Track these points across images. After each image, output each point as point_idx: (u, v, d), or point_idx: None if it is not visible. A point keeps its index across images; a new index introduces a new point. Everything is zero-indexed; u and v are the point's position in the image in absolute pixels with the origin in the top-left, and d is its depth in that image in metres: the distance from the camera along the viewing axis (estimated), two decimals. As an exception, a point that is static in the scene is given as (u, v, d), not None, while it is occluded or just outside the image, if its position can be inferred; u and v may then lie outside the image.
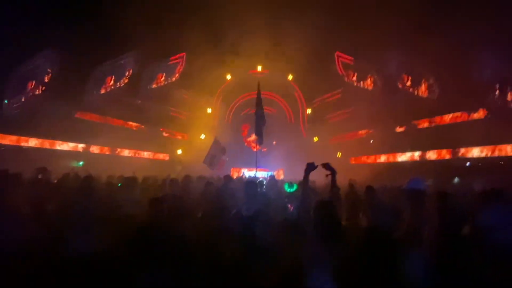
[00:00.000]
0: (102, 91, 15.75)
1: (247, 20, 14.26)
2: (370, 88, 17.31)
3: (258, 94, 7.47)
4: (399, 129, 15.92)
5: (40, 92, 12.98)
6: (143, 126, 17.50)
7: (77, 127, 13.92)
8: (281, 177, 14.40)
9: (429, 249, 2.61)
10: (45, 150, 13.15)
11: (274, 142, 17.79)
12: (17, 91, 12.84)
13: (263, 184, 5.10)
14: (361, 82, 17.79)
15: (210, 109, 19.14)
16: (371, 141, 17.22)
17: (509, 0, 10.11)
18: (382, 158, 16.44)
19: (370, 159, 17.18)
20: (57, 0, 11.53)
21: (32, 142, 12.82)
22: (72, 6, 12.13)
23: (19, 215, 3.41)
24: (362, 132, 17.71)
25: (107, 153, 15.67)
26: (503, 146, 11.47)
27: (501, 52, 10.31)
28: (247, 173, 13.79)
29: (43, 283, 2.85)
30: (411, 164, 14.68)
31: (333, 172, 3.15)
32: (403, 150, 15.32)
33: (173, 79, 17.66)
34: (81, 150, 14.62)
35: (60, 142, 13.86)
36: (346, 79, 18.01)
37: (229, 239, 3.93)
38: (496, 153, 11.70)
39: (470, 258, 2.72)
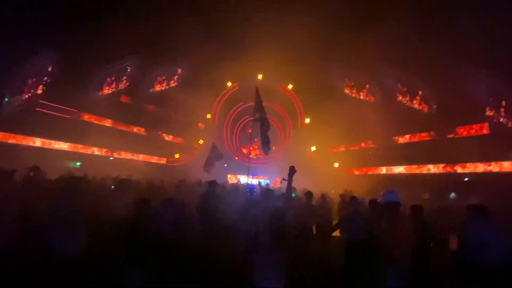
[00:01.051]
0: (103, 93, 15.88)
1: (250, 27, 14.51)
2: (370, 100, 17.50)
3: (258, 98, 7.35)
4: (396, 142, 16.03)
5: (41, 92, 13.08)
6: (142, 129, 17.63)
7: (76, 127, 14.01)
8: (279, 185, 14.39)
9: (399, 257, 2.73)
10: (44, 149, 13.18)
11: (273, 148, 17.89)
12: (17, 90, 12.96)
13: (254, 191, 5.16)
14: (360, 94, 18.00)
15: (210, 115, 19.29)
16: (370, 152, 17.32)
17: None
18: (379, 170, 16.47)
19: (367, 171, 17.21)
20: (59, 1, 11.70)
21: (31, 141, 12.86)
22: (75, 7, 12.34)
23: (7, 213, 3.43)
24: (361, 143, 17.81)
25: (105, 154, 15.72)
26: (502, 163, 11.48)
27: (500, 65, 10.46)
28: (243, 179, 13.79)
29: (25, 281, 2.85)
30: (408, 176, 14.71)
31: (290, 177, 3.41)
32: (400, 163, 15.38)
33: (173, 84, 17.84)
34: (79, 150, 14.67)
35: (58, 142, 13.89)
36: (346, 91, 18.25)
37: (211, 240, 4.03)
38: (497, 169, 11.68)
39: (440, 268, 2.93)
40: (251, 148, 15.32)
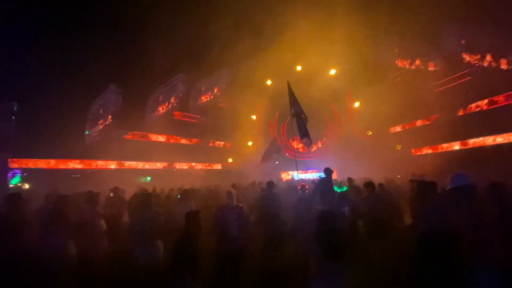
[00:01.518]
0: (158, 113, 17.53)
1: (285, 20, 14.16)
2: (430, 69, 15.35)
3: (290, 93, 7.22)
4: (471, 110, 13.68)
5: (110, 121, 15.11)
6: (196, 140, 18.92)
7: (141, 147, 15.78)
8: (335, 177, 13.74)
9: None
10: (118, 170, 15.22)
11: (319, 141, 17.21)
12: (93, 123, 15.24)
13: (306, 189, 4.83)
14: (417, 64, 15.93)
15: (255, 116, 19.46)
16: (438, 127, 15.19)
17: None
18: (451, 146, 14.33)
19: (436, 148, 15.15)
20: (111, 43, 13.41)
21: (109, 165, 14.98)
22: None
23: (97, 229, 4.01)
24: (425, 119, 15.78)
25: (168, 167, 17.35)
26: None
27: None
28: (296, 176, 13.59)
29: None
30: (491, 149, 12.44)
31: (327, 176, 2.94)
32: (478, 135, 13.09)
33: (217, 93, 18.57)
34: (146, 167, 16.51)
35: (129, 161, 15.86)
36: (399, 64, 16.36)
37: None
38: None
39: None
40: (294, 142, 15.01)
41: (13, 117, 12.15)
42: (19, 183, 13.22)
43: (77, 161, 14.03)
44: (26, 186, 13.10)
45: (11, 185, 12.38)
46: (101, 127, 15.16)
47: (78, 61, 12.48)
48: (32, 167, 12.92)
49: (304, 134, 6.99)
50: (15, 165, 12.51)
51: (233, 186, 6.74)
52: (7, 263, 2.63)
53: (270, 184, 4.82)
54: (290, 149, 15.14)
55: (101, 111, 15.19)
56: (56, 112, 11.85)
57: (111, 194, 5.54)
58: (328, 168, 3.51)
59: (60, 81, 11.92)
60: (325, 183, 2.76)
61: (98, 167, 14.53)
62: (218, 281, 3.02)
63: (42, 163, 13.16)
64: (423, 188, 3.60)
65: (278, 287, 3.30)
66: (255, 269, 3.76)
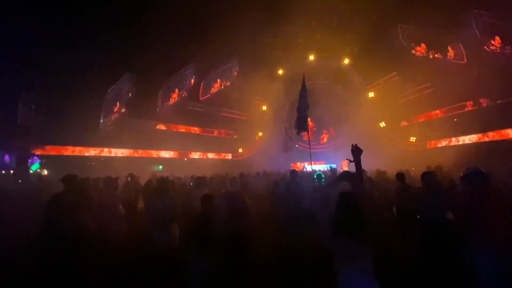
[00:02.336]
0: (170, 103, 17.69)
1: (294, 10, 13.88)
2: (450, 58, 14.75)
3: (303, 86, 7.31)
4: (491, 103, 13.15)
5: (124, 110, 15.39)
6: (207, 130, 19.07)
7: (154, 136, 16.06)
8: (345, 168, 13.65)
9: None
10: (132, 158, 15.60)
11: (324, 135, 17.02)
12: (107, 112, 15.57)
13: (322, 178, 4.91)
14: (435, 53, 15.33)
15: (265, 106, 19.36)
16: (455, 120, 14.74)
17: None
18: (468, 139, 13.90)
19: (452, 141, 14.73)
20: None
21: (121, 152, 15.37)
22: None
23: (117, 213, 4.16)
24: (440, 111, 15.31)
25: (179, 157, 17.64)
26: None
27: None
28: (307, 167, 13.56)
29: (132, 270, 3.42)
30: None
31: (356, 157, 2.57)
32: (497, 127, 12.62)
33: (227, 83, 18.53)
34: (160, 156, 16.84)
35: (142, 150, 16.21)
36: (416, 53, 15.76)
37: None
38: None
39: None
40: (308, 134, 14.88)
41: (33, 106, 12.57)
42: (38, 169, 13.80)
43: (95, 148, 14.47)
44: (45, 172, 13.67)
45: (31, 171, 12.95)
46: (115, 115, 15.48)
47: (94, 51, 12.71)
48: (54, 154, 13.41)
49: (301, 128, 7.19)
50: (38, 152, 12.99)
51: (241, 175, 6.83)
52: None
53: (293, 172, 5.06)
54: (302, 140, 15.06)
55: (115, 100, 15.48)
56: (73, 101, 12.19)
57: (129, 179, 5.73)
58: (356, 145, 2.73)
59: (76, 71, 12.21)
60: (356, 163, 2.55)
61: (112, 155, 14.95)
62: (228, 263, 3.14)
63: (63, 150, 13.64)
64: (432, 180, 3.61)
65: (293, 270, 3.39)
66: (269, 252, 3.86)
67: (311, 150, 7.30)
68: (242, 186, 5.58)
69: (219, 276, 2.84)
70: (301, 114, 7.27)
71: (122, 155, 15.28)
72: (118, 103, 15.51)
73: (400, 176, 4.74)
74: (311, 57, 18.10)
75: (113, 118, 15.53)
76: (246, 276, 3.09)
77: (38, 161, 13.92)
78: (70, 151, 13.89)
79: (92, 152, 14.51)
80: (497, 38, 13.06)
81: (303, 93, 7.42)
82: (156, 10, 13.84)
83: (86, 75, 12.82)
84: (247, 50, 16.15)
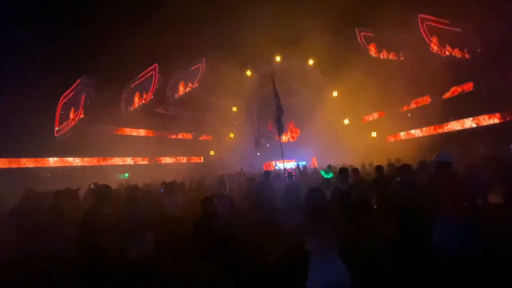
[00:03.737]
0: (134, 106, 16.86)
1: (258, 12, 14.12)
2: (400, 59, 16.16)
3: (273, 86, 7.50)
4: (438, 98, 14.65)
5: (82, 116, 14.32)
6: (176, 134, 18.50)
7: (117, 143, 15.14)
8: (315, 165, 14.18)
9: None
10: (94, 167, 14.55)
11: (293, 134, 17.61)
12: (63, 118, 14.35)
13: (293, 176, 5.20)
14: (387, 54, 16.71)
15: (235, 108, 19.32)
16: (409, 115, 16.15)
17: None
18: (423, 132, 15.31)
19: (410, 134, 16.10)
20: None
21: (82, 162, 14.26)
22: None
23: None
24: (397, 107, 16.64)
25: (148, 162, 16.87)
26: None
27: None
28: (279, 165, 13.85)
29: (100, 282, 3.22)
30: (459, 133, 13.46)
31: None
32: (444, 120, 14.09)
33: (196, 85, 18.18)
34: (125, 163, 15.92)
35: (105, 158, 15.20)
36: (372, 53, 16.98)
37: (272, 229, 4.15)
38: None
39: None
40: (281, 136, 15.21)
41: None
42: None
43: (48, 159, 13.22)
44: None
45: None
46: (72, 122, 14.32)
47: (45, 54, 11.62)
48: (2, 167, 12.01)
49: (280, 131, 7.39)
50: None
51: (221, 176, 6.77)
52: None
53: (267, 173, 5.45)
54: (272, 139, 15.31)
55: (71, 105, 14.33)
56: (23, 108, 11.02)
57: (92, 186, 5.36)
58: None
59: (26, 75, 11.06)
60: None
61: (69, 165, 13.81)
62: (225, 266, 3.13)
63: (12, 163, 12.27)
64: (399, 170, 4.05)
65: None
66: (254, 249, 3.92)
67: (279, 149, 7.49)
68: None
69: (220, 280, 2.81)
70: (278, 119, 7.48)
71: (84, 164, 14.19)
72: (74, 108, 14.38)
73: (379, 168, 5.07)
74: (278, 59, 18.50)
75: (70, 125, 14.36)
76: (245, 278, 3.11)
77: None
78: (22, 163, 12.57)
79: (47, 163, 13.25)
80: (435, 39, 14.66)
81: (274, 92, 7.58)
82: (115, 8, 13.12)
83: (35, 79, 11.68)
84: (213, 52, 16.01)
